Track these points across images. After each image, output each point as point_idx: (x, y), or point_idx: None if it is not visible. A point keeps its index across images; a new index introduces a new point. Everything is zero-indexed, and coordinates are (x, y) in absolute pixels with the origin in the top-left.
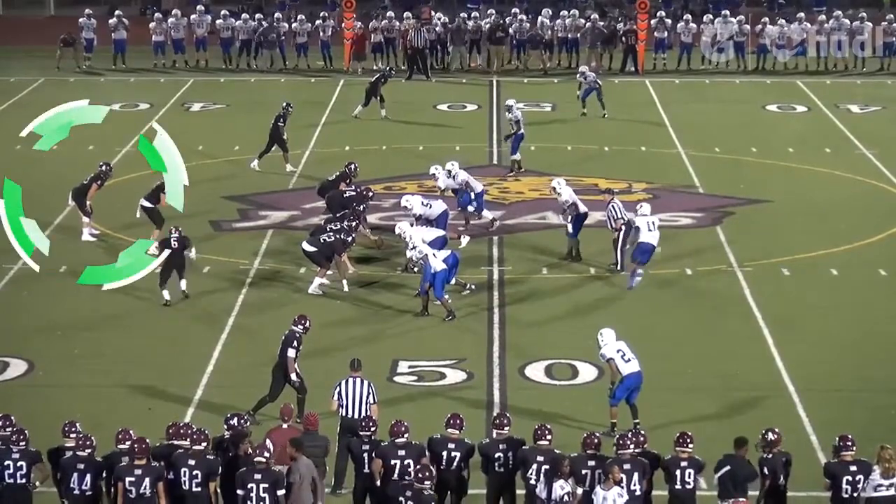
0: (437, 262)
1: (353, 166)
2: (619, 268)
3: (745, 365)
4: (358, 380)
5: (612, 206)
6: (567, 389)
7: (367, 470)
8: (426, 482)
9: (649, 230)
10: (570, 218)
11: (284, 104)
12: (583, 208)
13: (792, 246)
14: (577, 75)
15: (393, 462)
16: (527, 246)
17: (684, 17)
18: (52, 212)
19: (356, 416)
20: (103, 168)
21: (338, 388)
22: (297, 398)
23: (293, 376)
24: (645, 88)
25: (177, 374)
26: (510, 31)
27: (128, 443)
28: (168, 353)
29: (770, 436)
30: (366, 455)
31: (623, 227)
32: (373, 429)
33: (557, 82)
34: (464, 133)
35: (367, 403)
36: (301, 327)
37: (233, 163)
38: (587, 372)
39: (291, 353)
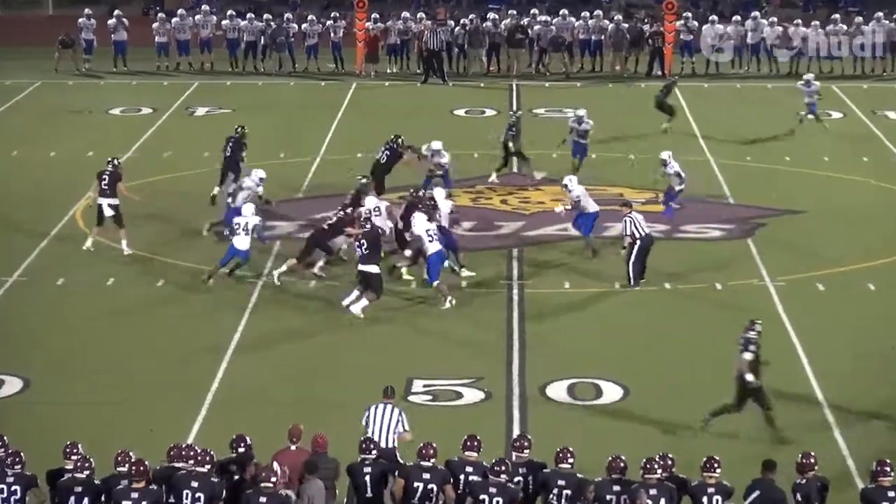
0: (433, 246)
1: (400, 140)
2: (631, 284)
3: (777, 384)
4: (388, 406)
5: (626, 219)
6: (590, 410)
7: (387, 489)
8: None
9: None
10: (573, 217)
11: (238, 128)
12: (593, 208)
13: (827, 259)
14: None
15: (416, 484)
16: (548, 258)
17: (710, 19)
18: (49, 221)
19: (383, 444)
20: (113, 164)
21: (367, 414)
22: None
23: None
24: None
25: (179, 393)
26: (530, 32)
27: (127, 465)
28: (170, 370)
29: (804, 459)
30: (368, 478)
31: (634, 242)
32: (374, 452)
33: (580, 86)
34: (482, 139)
35: (394, 433)
36: (753, 332)
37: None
38: (612, 391)
39: (748, 356)
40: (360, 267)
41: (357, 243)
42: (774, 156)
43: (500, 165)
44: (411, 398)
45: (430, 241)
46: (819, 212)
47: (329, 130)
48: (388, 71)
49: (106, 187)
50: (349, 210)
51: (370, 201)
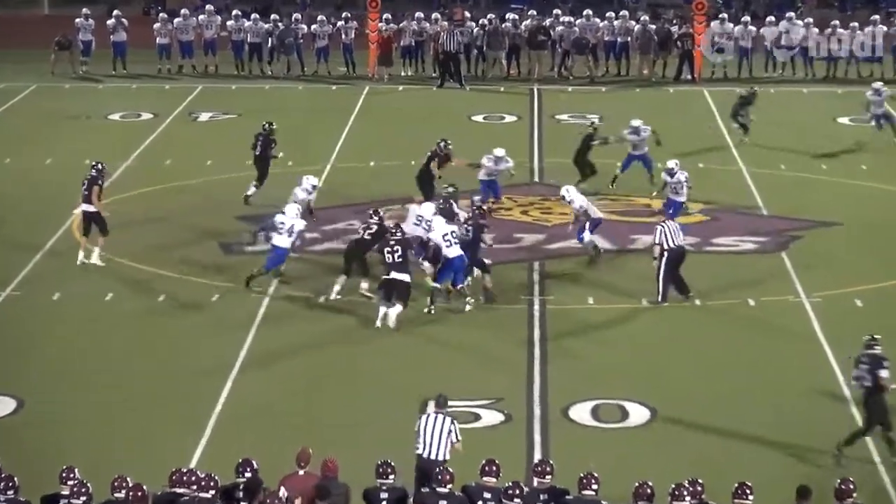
0: (452, 250)
1: (443, 143)
2: (660, 300)
3: (813, 406)
4: (440, 416)
5: (658, 227)
6: (616, 433)
7: None
8: None
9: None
10: (580, 227)
11: (265, 124)
12: (596, 214)
13: (866, 274)
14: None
15: None
16: (571, 273)
17: (742, 20)
18: (45, 232)
19: (437, 457)
20: (96, 168)
21: (418, 424)
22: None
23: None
24: (702, 98)
25: (182, 415)
26: (552, 34)
27: (123, 491)
28: (172, 389)
29: (843, 485)
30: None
31: (663, 253)
32: (391, 476)
33: (605, 91)
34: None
35: (448, 443)
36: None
37: (246, 179)
38: (638, 414)
39: (884, 373)
40: (394, 275)
41: (389, 250)
42: (810, 164)
43: (580, 180)
44: None
45: (448, 246)
46: (858, 224)
47: (340, 137)
48: (402, 74)
49: (86, 192)
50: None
51: (419, 209)
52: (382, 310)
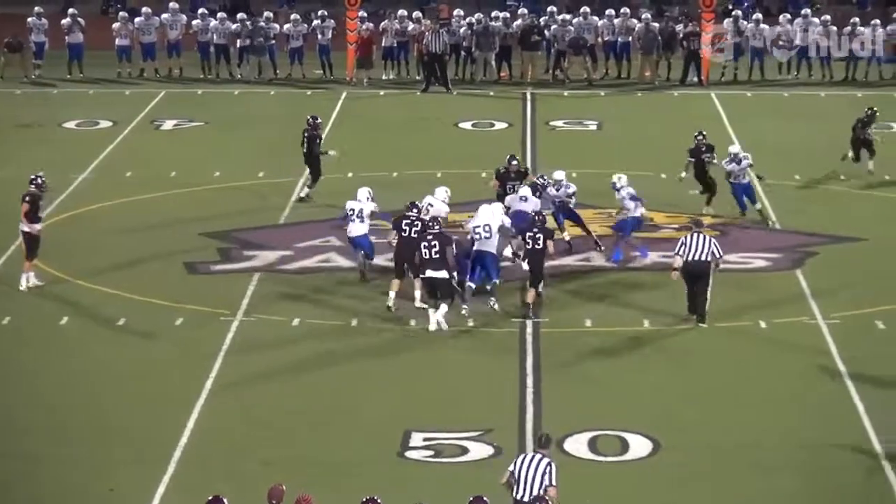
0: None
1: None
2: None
3: (830, 436)
4: (538, 457)
5: (683, 237)
6: (615, 467)
7: None
8: None
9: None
10: (616, 247)
11: (309, 118)
12: (638, 210)
13: (888, 293)
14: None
15: None
16: (567, 293)
17: (754, 18)
18: None
19: (528, 499)
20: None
21: (514, 464)
22: None
23: None
24: (710, 102)
25: (145, 447)
26: (547, 33)
27: None
28: (132, 421)
29: None
30: None
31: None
32: None
33: (604, 95)
34: (491, 156)
35: (543, 486)
36: None
37: (213, 192)
38: (639, 446)
39: None
40: (430, 273)
41: (426, 245)
42: (827, 174)
43: (708, 197)
44: (409, 454)
45: (478, 239)
46: (879, 238)
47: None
48: (384, 78)
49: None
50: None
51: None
52: (431, 312)
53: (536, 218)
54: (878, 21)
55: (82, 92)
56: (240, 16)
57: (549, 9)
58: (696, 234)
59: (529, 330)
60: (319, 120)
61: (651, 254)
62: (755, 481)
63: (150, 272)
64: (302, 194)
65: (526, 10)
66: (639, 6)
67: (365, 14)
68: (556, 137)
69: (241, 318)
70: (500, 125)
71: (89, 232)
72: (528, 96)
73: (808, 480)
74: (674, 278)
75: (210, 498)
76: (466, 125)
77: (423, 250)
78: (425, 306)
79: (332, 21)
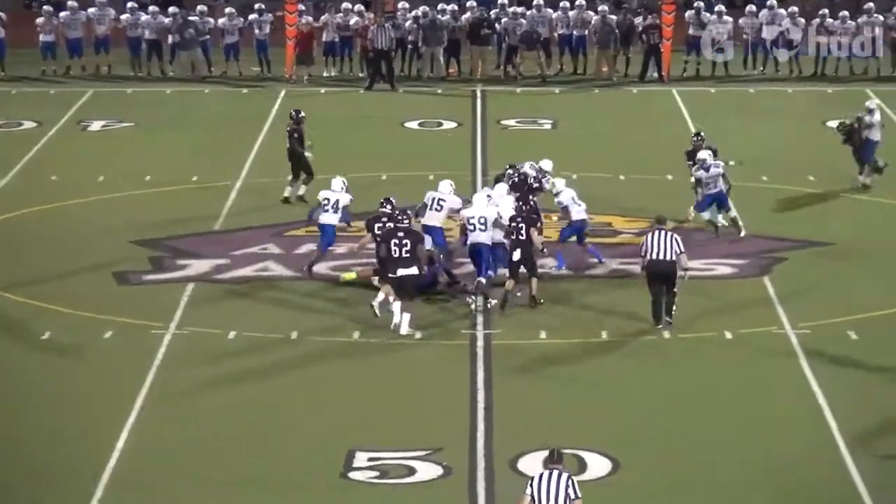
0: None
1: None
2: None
3: (802, 454)
4: (556, 472)
5: (647, 235)
6: None
7: None
8: None
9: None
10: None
11: (292, 113)
12: (581, 215)
13: (860, 301)
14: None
15: None
16: (520, 302)
17: (716, 10)
18: None
19: None
20: None
21: (530, 486)
22: None
23: None
24: (672, 100)
25: (69, 471)
26: (497, 27)
27: None
28: (58, 442)
29: None
30: None
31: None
32: None
33: (559, 92)
34: (439, 158)
35: (568, 500)
36: None
37: (144, 197)
38: (598, 465)
39: None
40: (401, 272)
41: (397, 242)
42: (796, 175)
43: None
44: (353, 475)
45: (472, 231)
46: (851, 243)
47: (252, 149)
48: (325, 75)
49: None
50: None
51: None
52: (397, 314)
53: (520, 206)
54: (846, 13)
55: (4, 91)
56: (172, 9)
57: (499, 1)
58: (659, 232)
59: (481, 342)
60: (303, 114)
61: (608, 260)
62: (720, 500)
63: (76, 283)
64: (299, 193)
65: (475, 3)
66: None
67: (304, 7)
68: (508, 137)
69: (173, 331)
70: (448, 124)
71: (11, 240)
72: (479, 94)
73: (777, 502)
74: (639, 280)
75: None
76: (413, 125)
77: (394, 248)
78: (378, 313)
79: (270, 15)
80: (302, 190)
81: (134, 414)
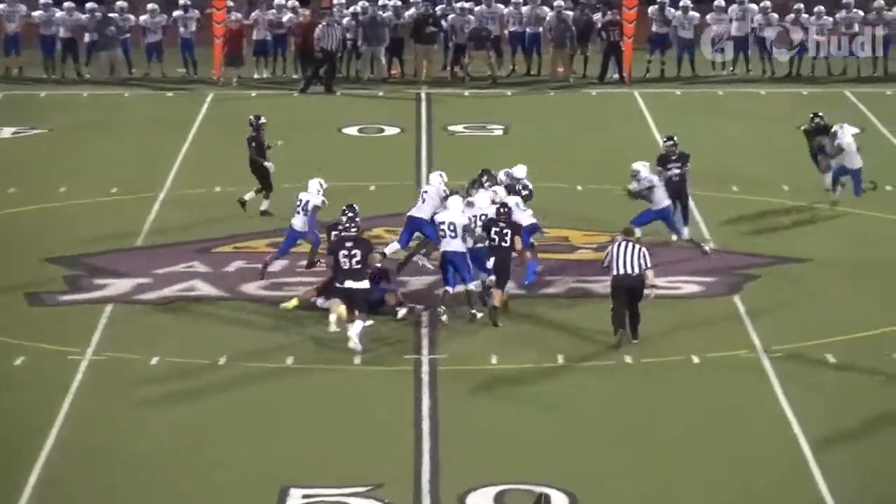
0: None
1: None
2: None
3: (775, 486)
4: None
5: (611, 245)
6: None
7: None
8: None
9: None
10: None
11: (252, 119)
12: (529, 220)
13: (839, 322)
14: None
15: None
16: (469, 323)
17: (681, 5)
18: None
19: None
20: None
21: None
22: None
23: None
24: (633, 102)
25: None
26: (444, 24)
27: None
28: None
29: None
30: None
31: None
32: None
33: (511, 95)
34: (380, 166)
35: None
36: None
37: (59, 211)
38: (554, 501)
39: None
40: (349, 284)
41: (346, 254)
42: (768, 185)
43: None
44: None
45: (443, 237)
46: (828, 260)
47: (177, 157)
48: (256, 76)
49: None
50: None
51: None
52: (333, 324)
53: (501, 210)
54: (822, 8)
55: None
56: (89, 5)
57: None
58: (624, 244)
59: (426, 367)
60: (263, 120)
61: (566, 278)
62: None
63: None
64: (262, 208)
65: None
66: None
67: (233, 3)
68: (455, 144)
69: (91, 357)
70: (390, 130)
71: None
72: (423, 97)
73: None
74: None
75: None
76: (352, 130)
77: (343, 259)
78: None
79: (196, 12)
80: (265, 205)
81: (47, 447)
